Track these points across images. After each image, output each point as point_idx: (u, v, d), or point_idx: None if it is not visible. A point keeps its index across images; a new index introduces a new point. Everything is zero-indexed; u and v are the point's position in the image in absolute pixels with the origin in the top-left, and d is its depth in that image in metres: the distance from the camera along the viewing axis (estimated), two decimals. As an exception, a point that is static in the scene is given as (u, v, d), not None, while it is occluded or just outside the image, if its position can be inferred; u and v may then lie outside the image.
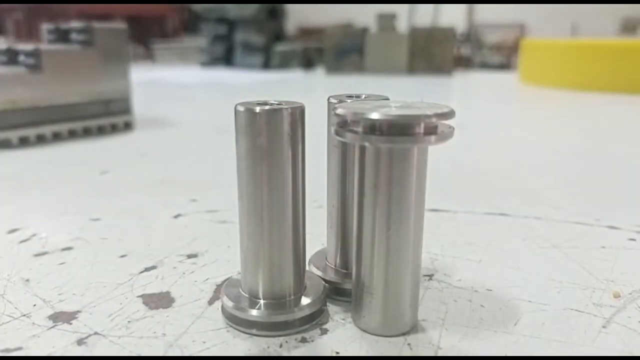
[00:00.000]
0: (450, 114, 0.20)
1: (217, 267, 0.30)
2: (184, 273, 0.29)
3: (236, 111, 0.22)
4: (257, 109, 0.21)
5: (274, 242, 0.23)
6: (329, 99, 0.25)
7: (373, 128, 0.20)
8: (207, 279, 0.28)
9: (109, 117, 0.71)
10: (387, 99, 0.25)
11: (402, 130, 0.20)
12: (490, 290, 0.27)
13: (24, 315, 0.24)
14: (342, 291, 0.26)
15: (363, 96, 0.26)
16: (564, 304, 0.26)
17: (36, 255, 0.31)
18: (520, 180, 0.48)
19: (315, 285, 0.25)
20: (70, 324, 0.24)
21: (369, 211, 0.22)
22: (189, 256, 0.31)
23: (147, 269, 0.29)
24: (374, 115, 0.19)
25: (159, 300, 0.26)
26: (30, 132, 0.63)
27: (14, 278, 0.28)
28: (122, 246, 0.33)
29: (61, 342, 0.22)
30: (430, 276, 0.29)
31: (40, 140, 0.64)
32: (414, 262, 0.22)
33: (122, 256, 0.31)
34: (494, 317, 0.25)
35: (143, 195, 0.43)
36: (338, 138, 0.21)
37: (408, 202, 0.21)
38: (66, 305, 0.25)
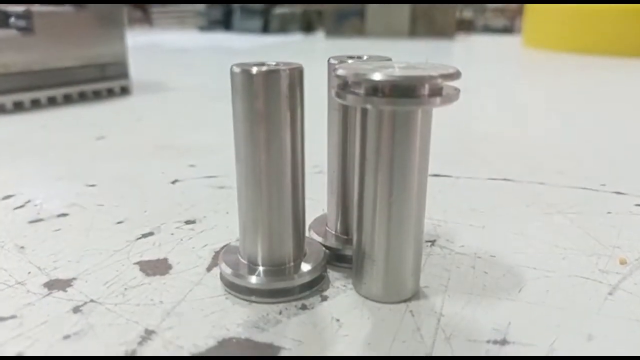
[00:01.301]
0: (456, 75, 0.19)
1: (215, 234, 0.29)
2: (181, 239, 0.28)
3: (232, 72, 0.21)
4: (254, 70, 0.20)
5: (272, 208, 0.22)
6: (329, 60, 0.24)
7: (375, 90, 0.19)
8: (205, 245, 0.28)
9: (105, 81, 0.69)
10: (390, 60, 0.24)
11: (405, 92, 0.19)
12: (494, 256, 0.27)
13: (19, 282, 0.24)
14: (342, 257, 0.25)
15: (365, 57, 0.24)
16: (569, 270, 0.25)
17: (31, 222, 0.31)
18: (524, 146, 0.47)
19: (316, 251, 0.24)
20: (66, 291, 0.23)
21: (370, 177, 0.21)
22: (187, 222, 0.31)
23: (144, 235, 0.29)
24: (377, 77, 0.18)
25: (156, 267, 0.25)
26: (25, 97, 0.62)
27: (8, 245, 0.28)
28: (119, 212, 0.32)
29: (56, 309, 0.22)
30: (433, 242, 0.28)
31: (35, 105, 0.63)
32: (417, 228, 0.22)
33: (119, 222, 0.30)
34: (497, 284, 0.24)
35: (140, 161, 0.43)
36: (339, 100, 0.20)
37: (411, 167, 0.20)
38: (61, 273, 0.25)
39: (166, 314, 0.22)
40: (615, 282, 0.24)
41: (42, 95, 0.63)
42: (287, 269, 0.23)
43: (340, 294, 0.23)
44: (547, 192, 0.36)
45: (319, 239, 0.26)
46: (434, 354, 0.19)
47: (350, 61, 0.23)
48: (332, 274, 0.25)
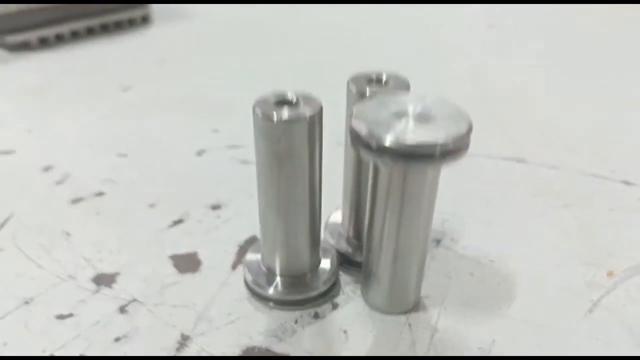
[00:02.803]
0: (467, 136, 0.20)
1: (239, 223, 0.32)
2: (208, 230, 0.31)
3: (254, 114, 0.22)
4: (275, 116, 0.21)
5: (290, 235, 0.24)
6: (348, 83, 0.25)
7: (386, 150, 0.20)
8: (230, 238, 0.31)
9: (125, 11, 0.68)
10: (408, 85, 0.25)
11: (417, 156, 0.20)
12: (493, 261, 0.29)
13: (70, 276, 0.28)
14: (353, 261, 0.28)
15: (384, 77, 0.25)
16: (560, 281, 0.28)
17: (73, 201, 0.34)
18: (541, 114, 0.47)
19: (330, 259, 0.27)
20: (111, 287, 0.27)
21: (379, 215, 0.23)
22: (213, 207, 0.33)
23: (175, 223, 0.32)
24: (388, 142, 0.19)
25: (188, 263, 0.29)
26: (49, 32, 0.62)
27: (56, 231, 0.31)
28: (150, 192, 0.35)
29: (105, 309, 0.26)
30: (438, 241, 0.31)
31: (59, 40, 0.63)
32: (421, 258, 0.24)
33: (151, 206, 0.33)
34: (491, 296, 0.27)
35: (165, 121, 0.44)
36: (353, 149, 0.22)
37: (419, 214, 0.22)
38: (106, 266, 0.28)
39: (198, 318, 0.25)
40: (596, 297, 0.27)
41: (66, 29, 0.63)
42: (303, 281, 0.26)
43: (350, 301, 0.26)
44: (557, 178, 0.37)
45: (333, 242, 0.29)
46: (425, 373, 0.23)
47: (368, 89, 0.24)
48: (343, 277, 0.28)
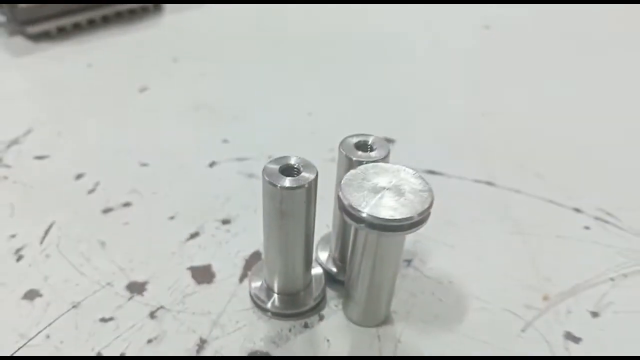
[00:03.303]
0: (429, 209, 0.26)
1: (246, 238, 0.38)
2: (220, 243, 0.38)
3: (263, 177, 0.28)
4: (279, 184, 0.27)
5: (288, 266, 0.31)
6: (339, 147, 0.31)
7: (364, 220, 0.26)
8: (238, 252, 0.37)
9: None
10: (389, 150, 0.30)
11: (388, 228, 0.26)
12: (452, 282, 0.36)
13: (108, 284, 0.34)
14: (337, 280, 0.35)
15: (370, 140, 0.31)
16: (503, 303, 0.34)
17: (104, 211, 0.40)
18: (519, 134, 0.53)
19: (318, 279, 0.34)
20: (142, 295, 0.33)
21: (357, 257, 0.29)
22: (224, 222, 0.39)
23: (192, 236, 0.38)
24: (365, 214, 0.25)
25: (204, 275, 0.35)
26: (67, 21, 0.66)
27: (93, 240, 0.37)
28: (170, 204, 0.41)
29: (139, 314, 0.32)
30: (409, 262, 0.37)
31: (77, 28, 0.67)
32: (390, 287, 0.31)
33: (171, 218, 0.39)
34: (446, 314, 0.33)
35: (180, 130, 0.50)
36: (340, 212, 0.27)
37: (389, 262, 0.29)
38: (137, 275, 0.35)
39: (213, 325, 0.32)
40: (530, 319, 0.33)
41: (83, 18, 0.67)
42: (297, 298, 0.32)
43: (333, 314, 0.33)
44: (519, 203, 0.43)
45: (323, 259, 0.35)
46: (387, 378, 0.30)
47: (358, 152, 0.30)
48: (329, 292, 0.34)
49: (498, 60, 0.68)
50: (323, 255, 0.36)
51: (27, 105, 0.53)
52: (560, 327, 0.33)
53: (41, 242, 0.37)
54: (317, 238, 0.36)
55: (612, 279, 0.36)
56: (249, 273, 0.35)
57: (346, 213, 0.26)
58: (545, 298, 0.35)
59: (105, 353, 0.30)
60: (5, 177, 0.43)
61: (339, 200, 0.27)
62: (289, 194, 0.27)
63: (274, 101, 0.56)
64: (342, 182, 0.27)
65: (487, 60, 0.67)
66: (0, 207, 0.40)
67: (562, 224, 0.41)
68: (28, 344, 0.30)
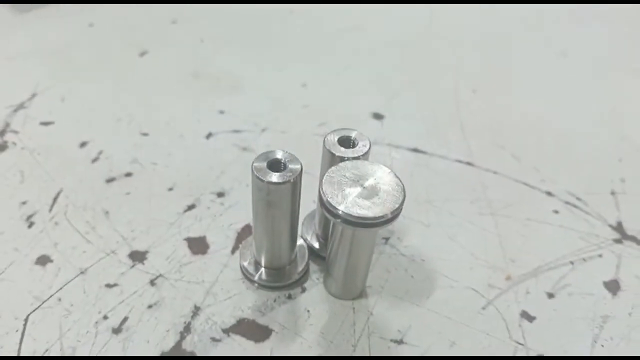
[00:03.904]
0: (401, 207, 0.29)
1: (238, 211, 0.41)
2: (214, 216, 0.41)
3: (252, 172, 0.30)
4: (265, 179, 0.30)
5: (274, 246, 0.34)
6: (324, 142, 0.33)
7: (340, 217, 0.29)
8: (230, 225, 0.40)
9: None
10: (369, 141, 0.33)
11: (362, 225, 0.29)
12: (424, 260, 0.39)
13: (112, 252, 0.38)
14: (320, 255, 0.38)
15: (353, 135, 0.33)
16: (468, 282, 0.38)
17: (107, 181, 0.43)
18: (501, 115, 0.55)
19: (302, 254, 0.37)
20: (143, 264, 0.37)
21: (335, 242, 0.32)
22: (219, 195, 0.42)
23: (189, 208, 0.41)
24: (341, 212, 0.28)
25: (199, 246, 0.38)
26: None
27: (97, 209, 0.40)
28: (168, 176, 0.44)
29: (140, 281, 0.36)
30: (387, 239, 0.40)
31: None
32: (366, 267, 0.34)
33: (170, 189, 0.42)
34: (416, 289, 0.37)
35: (179, 97, 0.52)
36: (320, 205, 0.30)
37: (365, 249, 0.32)
38: (138, 244, 0.38)
39: (206, 293, 0.36)
40: (492, 297, 0.37)
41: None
42: (282, 272, 0.36)
43: (314, 287, 0.37)
44: (494, 184, 0.46)
45: (308, 235, 0.39)
46: (357, 346, 0.34)
47: (341, 149, 0.33)
48: (312, 265, 0.38)
49: (499, 42, 0.68)
50: (308, 231, 0.39)
51: (31, 67, 0.55)
52: (518, 307, 0.37)
53: (50, 210, 0.40)
54: (303, 214, 0.39)
55: (571, 262, 0.40)
56: (240, 246, 0.38)
57: (325, 209, 0.29)
58: (508, 278, 0.39)
59: (111, 316, 0.34)
60: (14, 144, 0.45)
61: (319, 195, 0.30)
62: (275, 188, 0.30)
63: (269, 73, 0.57)
64: (324, 178, 0.30)
65: (487, 40, 0.68)
66: (12, 174, 0.43)
67: (533, 207, 0.44)
68: (42, 305, 0.34)
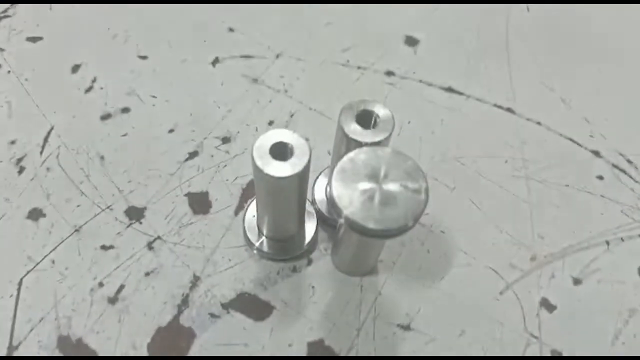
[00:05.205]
0: (420, 216, 0.25)
1: (244, 161, 0.37)
2: (218, 166, 0.37)
3: (253, 163, 0.26)
4: (266, 170, 0.26)
5: (280, 224, 0.31)
6: (342, 110, 0.28)
7: (348, 222, 0.25)
8: (235, 179, 0.37)
9: None
10: (393, 125, 0.28)
11: (372, 235, 0.25)
12: (443, 232, 0.36)
13: (108, 207, 0.35)
14: (330, 221, 0.35)
15: (375, 109, 0.28)
16: (488, 260, 0.35)
17: (102, 118, 0.39)
18: (561, 32, 0.47)
19: (312, 223, 0.34)
20: (141, 223, 0.35)
21: (343, 233, 0.29)
22: (224, 140, 0.38)
23: (191, 156, 0.37)
24: (348, 217, 0.25)
25: (201, 204, 0.36)
26: None
27: (92, 152, 0.37)
28: (169, 113, 0.39)
29: (137, 244, 0.34)
30: (406, 204, 0.37)
31: None
32: (375, 259, 0.31)
33: (170, 131, 0.38)
34: (430, 268, 0.34)
35: (182, 10, 0.45)
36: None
37: (375, 247, 0.28)
38: (135, 199, 0.35)
39: (206, 261, 0.34)
40: (512, 280, 0.34)
41: None
42: (287, 243, 0.33)
43: (322, 258, 0.34)
44: (533, 139, 0.40)
45: (318, 198, 0.35)
46: (361, 330, 0.32)
47: (360, 129, 0.28)
48: (320, 233, 0.35)
49: None
50: (319, 194, 0.36)
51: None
52: (539, 293, 0.34)
53: (41, 152, 0.37)
54: (315, 173, 0.36)
55: (607, 242, 0.36)
56: (245, 205, 0.35)
57: (332, 205, 0.25)
58: (533, 258, 0.35)
59: (107, 283, 0.32)
60: (0, 65, 0.41)
61: (329, 196, 0.26)
62: (277, 182, 0.26)
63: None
64: (335, 170, 0.26)
65: None
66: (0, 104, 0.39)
67: (575, 170, 0.39)
68: (35, 268, 0.33)
